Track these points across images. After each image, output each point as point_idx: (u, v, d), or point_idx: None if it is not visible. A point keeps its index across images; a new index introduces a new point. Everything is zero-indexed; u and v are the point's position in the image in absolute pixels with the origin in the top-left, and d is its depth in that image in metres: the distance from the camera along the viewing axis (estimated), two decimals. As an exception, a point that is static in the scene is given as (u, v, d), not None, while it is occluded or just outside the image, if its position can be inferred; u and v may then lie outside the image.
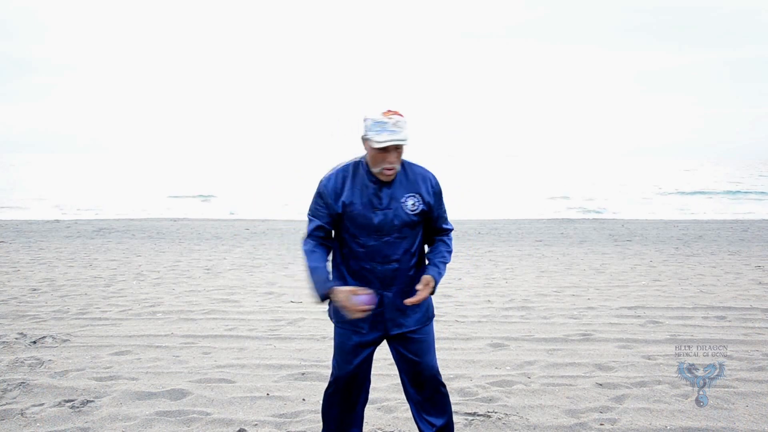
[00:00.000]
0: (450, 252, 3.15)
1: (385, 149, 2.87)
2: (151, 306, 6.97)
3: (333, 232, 3.10)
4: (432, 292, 3.02)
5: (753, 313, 6.54)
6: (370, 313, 2.94)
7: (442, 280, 3.29)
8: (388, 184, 2.99)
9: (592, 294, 7.63)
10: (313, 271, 2.95)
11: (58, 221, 17.67)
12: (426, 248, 3.22)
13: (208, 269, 9.53)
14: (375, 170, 2.95)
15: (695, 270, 9.39)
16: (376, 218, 2.97)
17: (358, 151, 3.09)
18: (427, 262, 3.13)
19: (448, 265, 3.14)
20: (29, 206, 25.63)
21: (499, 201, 29.93)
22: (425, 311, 3.12)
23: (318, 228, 3.03)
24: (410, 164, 3.06)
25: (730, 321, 6.24)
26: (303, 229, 3.36)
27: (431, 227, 3.14)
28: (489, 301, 7.26)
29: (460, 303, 7.14)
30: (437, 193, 3.08)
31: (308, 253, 3.01)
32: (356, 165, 3.03)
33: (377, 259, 2.99)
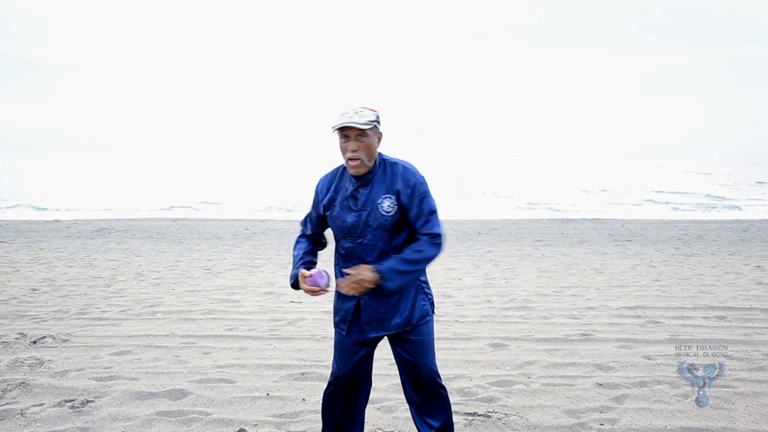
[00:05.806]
0: (419, 252, 2.84)
1: (345, 137, 2.86)
2: (151, 306, 6.97)
3: (323, 230, 3.17)
4: (374, 285, 2.79)
5: (753, 313, 6.54)
6: (350, 313, 2.97)
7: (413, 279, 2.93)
8: (366, 185, 2.92)
9: (592, 294, 7.63)
10: (293, 260, 3.09)
11: (58, 221, 17.66)
12: None
13: (208, 269, 9.53)
14: (346, 163, 2.93)
15: (695, 270, 9.39)
16: (350, 219, 2.93)
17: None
18: None
19: (414, 265, 2.84)
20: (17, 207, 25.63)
21: (500, 203, 29.94)
22: (407, 317, 2.96)
23: (307, 223, 3.17)
24: (392, 162, 2.96)
25: (730, 321, 6.24)
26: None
27: (413, 230, 2.93)
28: (489, 301, 7.26)
29: (460, 303, 7.14)
30: (416, 194, 2.88)
31: (294, 245, 3.16)
32: (345, 167, 3.03)
33: (353, 261, 2.93)
